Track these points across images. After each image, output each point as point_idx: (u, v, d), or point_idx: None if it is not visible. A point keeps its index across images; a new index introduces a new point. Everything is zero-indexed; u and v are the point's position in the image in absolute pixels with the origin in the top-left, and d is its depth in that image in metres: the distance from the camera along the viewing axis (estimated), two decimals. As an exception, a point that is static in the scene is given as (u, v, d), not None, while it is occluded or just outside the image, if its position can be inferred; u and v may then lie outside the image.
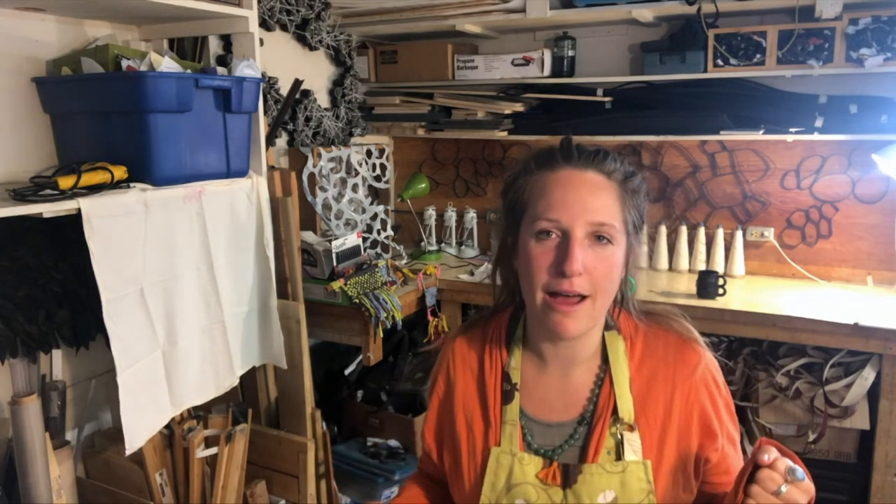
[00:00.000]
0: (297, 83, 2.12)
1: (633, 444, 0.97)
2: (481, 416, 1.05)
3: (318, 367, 2.42)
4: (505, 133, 2.63)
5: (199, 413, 1.81)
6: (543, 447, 1.01)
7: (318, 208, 2.47)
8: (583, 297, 0.93)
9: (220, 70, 1.74)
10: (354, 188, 2.68)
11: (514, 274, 1.03)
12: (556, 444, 1.01)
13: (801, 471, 0.81)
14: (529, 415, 1.03)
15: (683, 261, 2.52)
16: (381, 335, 2.15)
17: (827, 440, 2.02)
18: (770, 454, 0.81)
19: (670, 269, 2.54)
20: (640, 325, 1.04)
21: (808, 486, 0.82)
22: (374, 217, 2.78)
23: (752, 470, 0.83)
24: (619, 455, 0.97)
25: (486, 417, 1.04)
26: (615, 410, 0.98)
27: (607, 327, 1.03)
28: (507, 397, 1.03)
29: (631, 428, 0.98)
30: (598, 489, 0.96)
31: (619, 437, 0.97)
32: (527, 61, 2.53)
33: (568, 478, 0.97)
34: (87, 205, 1.35)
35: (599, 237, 0.94)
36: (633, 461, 0.96)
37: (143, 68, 1.57)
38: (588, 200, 0.94)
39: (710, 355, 1.03)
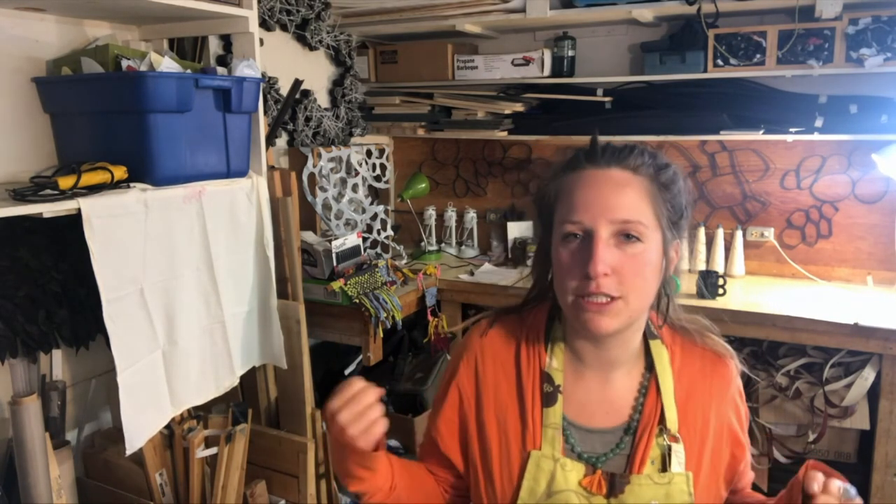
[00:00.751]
0: (297, 83, 2.12)
1: (679, 456, 0.96)
2: (518, 417, 1.00)
3: (318, 367, 2.41)
4: (505, 133, 2.63)
5: (199, 413, 1.81)
6: (586, 453, 0.98)
7: (318, 208, 2.47)
8: (613, 299, 0.90)
9: (220, 70, 1.74)
10: (354, 188, 2.68)
11: (546, 273, 1.02)
12: (598, 451, 0.98)
13: (853, 489, 0.82)
14: (570, 419, 1.00)
15: (683, 261, 2.51)
16: (381, 335, 2.15)
17: (827, 440, 2.02)
18: (818, 482, 0.82)
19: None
20: (675, 336, 1.04)
21: (859, 502, 0.83)
22: (374, 217, 2.78)
23: (803, 496, 0.84)
24: (664, 466, 0.96)
25: (524, 419, 1.00)
26: (661, 420, 0.97)
27: (652, 336, 1.02)
28: (548, 399, 0.99)
29: (676, 439, 0.96)
30: (644, 500, 0.94)
31: (667, 447, 0.96)
32: (527, 61, 2.53)
33: (614, 487, 0.95)
34: (87, 205, 1.35)
35: (628, 235, 0.90)
36: (678, 473, 0.95)
37: (143, 68, 1.57)
38: (611, 198, 0.91)
39: (738, 372, 1.04)
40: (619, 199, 0.91)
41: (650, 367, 1.01)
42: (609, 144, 0.97)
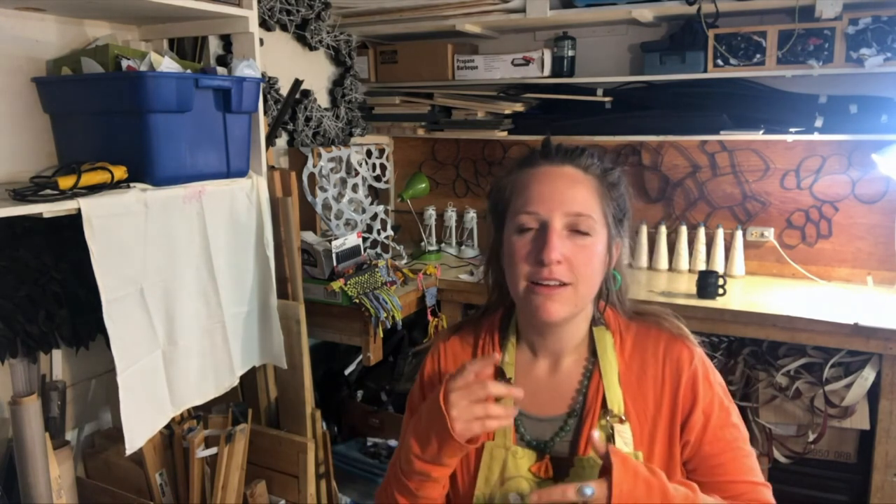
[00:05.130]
0: (297, 83, 2.12)
1: (624, 436, 0.98)
2: None
3: (318, 367, 2.42)
4: (505, 133, 2.63)
5: (199, 413, 1.81)
6: (535, 440, 1.03)
7: (318, 208, 2.47)
8: (564, 285, 0.96)
9: (220, 70, 1.74)
10: (354, 188, 2.68)
11: (503, 274, 1.05)
12: (546, 437, 1.03)
13: (589, 487, 0.85)
14: (521, 409, 1.04)
15: (683, 261, 2.52)
16: (381, 335, 2.15)
17: (827, 440, 2.02)
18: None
19: (670, 269, 2.54)
20: (630, 324, 1.06)
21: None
22: (374, 217, 2.78)
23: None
24: None
25: None
26: (604, 403, 1.00)
27: (595, 322, 1.06)
28: None
29: (621, 420, 0.99)
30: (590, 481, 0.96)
31: (610, 429, 0.98)
32: (527, 61, 2.53)
33: (560, 471, 0.99)
34: (87, 205, 1.35)
35: (578, 230, 0.97)
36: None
37: (143, 68, 1.57)
38: (565, 192, 0.98)
39: (701, 352, 1.03)
40: (572, 193, 0.99)
41: (595, 352, 1.04)
42: (561, 145, 1.04)
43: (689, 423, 0.99)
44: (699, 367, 1.01)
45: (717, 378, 1.03)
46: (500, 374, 1.07)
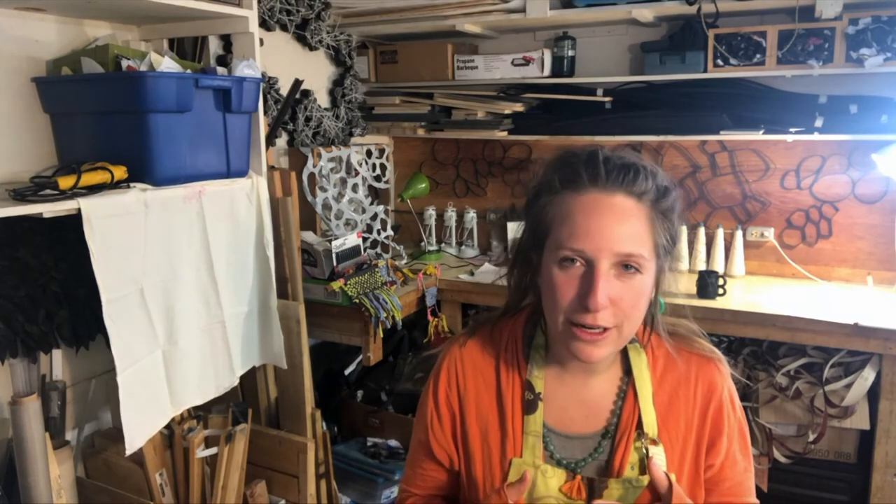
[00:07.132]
0: (297, 83, 2.12)
1: (658, 458, 0.96)
2: (498, 426, 1.01)
3: (318, 367, 2.42)
4: (505, 133, 2.63)
5: (199, 413, 1.81)
6: (566, 459, 0.99)
7: (318, 208, 2.47)
8: (608, 328, 0.90)
9: (220, 70, 1.74)
10: (354, 188, 2.68)
11: (535, 288, 1.00)
12: (577, 456, 0.99)
13: None
14: (549, 426, 1.00)
15: (683, 261, 2.51)
16: (381, 335, 2.15)
17: (827, 440, 2.02)
18: None
19: (670, 269, 2.53)
20: (661, 342, 1.03)
21: None
22: (374, 217, 2.78)
23: None
24: (643, 469, 0.96)
25: (504, 427, 1.00)
26: (639, 424, 0.97)
27: (630, 340, 1.01)
28: (529, 407, 1.00)
29: (655, 442, 0.96)
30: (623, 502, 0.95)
31: (645, 451, 0.96)
32: (527, 61, 2.53)
33: (593, 492, 0.95)
34: (87, 205, 1.35)
35: (627, 266, 0.89)
36: None
37: (143, 68, 1.57)
38: (615, 229, 0.88)
39: (729, 375, 1.02)
40: (623, 229, 0.89)
41: (628, 371, 1.01)
42: (611, 161, 0.92)
43: (715, 448, 0.99)
44: (728, 393, 1.01)
45: (739, 401, 1.03)
46: (528, 388, 1.01)
